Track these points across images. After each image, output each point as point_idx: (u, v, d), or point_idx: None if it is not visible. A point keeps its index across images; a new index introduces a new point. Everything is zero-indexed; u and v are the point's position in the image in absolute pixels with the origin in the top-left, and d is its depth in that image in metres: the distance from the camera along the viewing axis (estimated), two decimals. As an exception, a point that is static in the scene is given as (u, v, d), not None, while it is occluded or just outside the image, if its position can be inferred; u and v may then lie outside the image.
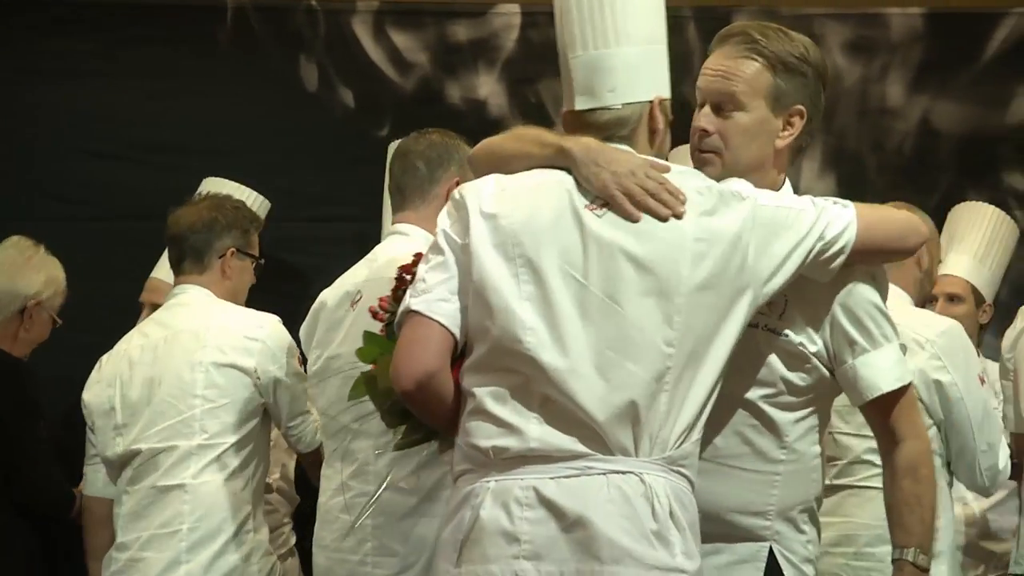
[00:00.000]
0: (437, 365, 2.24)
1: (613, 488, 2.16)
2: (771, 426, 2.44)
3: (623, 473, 2.17)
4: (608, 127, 2.33)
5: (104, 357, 3.60)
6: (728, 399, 2.40)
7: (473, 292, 2.23)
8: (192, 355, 3.41)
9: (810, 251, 2.31)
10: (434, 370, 2.24)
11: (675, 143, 4.68)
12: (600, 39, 2.34)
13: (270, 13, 4.73)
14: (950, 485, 3.48)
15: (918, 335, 3.39)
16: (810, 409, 2.47)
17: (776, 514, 2.44)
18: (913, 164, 4.87)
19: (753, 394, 2.43)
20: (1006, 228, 4.46)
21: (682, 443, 2.21)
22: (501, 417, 2.20)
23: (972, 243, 4.40)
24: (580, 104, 2.35)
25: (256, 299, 3.84)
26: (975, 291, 4.33)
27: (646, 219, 2.23)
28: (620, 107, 2.33)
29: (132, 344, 3.55)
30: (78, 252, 4.40)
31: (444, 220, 2.31)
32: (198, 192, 4.10)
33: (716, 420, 2.41)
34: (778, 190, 2.49)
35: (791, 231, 2.30)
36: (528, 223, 2.24)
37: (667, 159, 2.40)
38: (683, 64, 4.96)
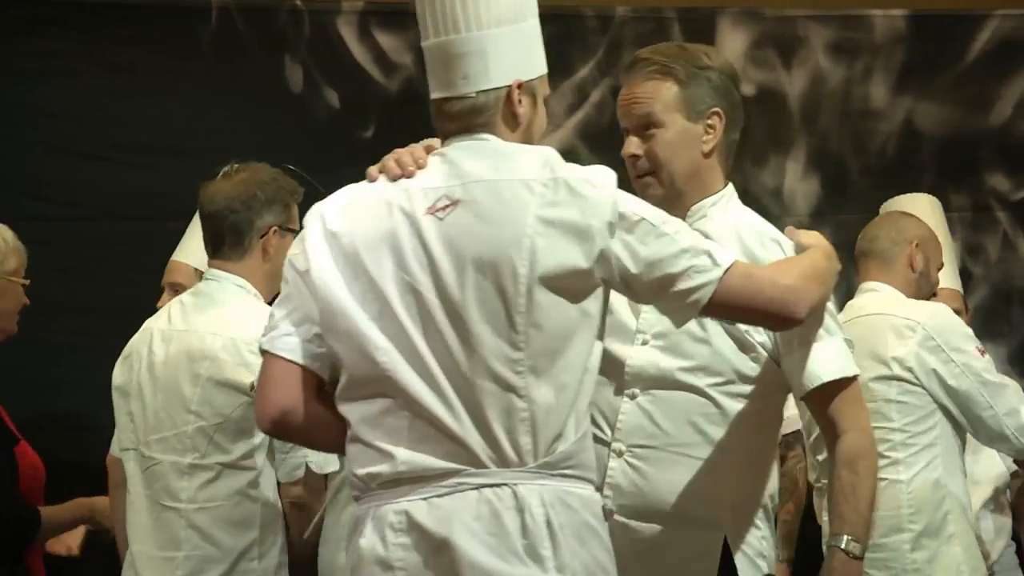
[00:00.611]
0: (289, 403, 2.21)
1: (484, 504, 2.12)
2: (724, 416, 2.49)
3: (496, 486, 2.12)
4: (462, 116, 2.23)
5: (147, 322, 3.42)
6: (680, 387, 2.47)
7: (324, 320, 2.19)
8: (193, 365, 3.20)
9: (662, 279, 2.20)
10: (287, 409, 2.21)
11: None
12: (450, 25, 2.21)
13: (254, 13, 4.66)
14: (964, 474, 3.52)
15: (908, 319, 3.44)
16: (762, 403, 2.52)
17: (730, 506, 2.48)
18: (896, 165, 4.90)
19: (704, 382, 2.48)
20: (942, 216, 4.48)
21: (557, 447, 2.15)
22: (373, 443, 2.17)
23: (947, 248, 4.40)
24: (435, 93, 2.26)
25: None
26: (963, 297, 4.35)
27: (485, 218, 2.14)
28: (474, 95, 2.22)
29: (158, 324, 3.34)
30: (59, 252, 4.38)
31: (293, 247, 2.27)
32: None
33: (669, 408, 2.47)
34: (720, 194, 2.60)
35: (652, 247, 2.19)
36: (366, 238, 2.18)
37: (545, 142, 2.32)
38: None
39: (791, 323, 2.30)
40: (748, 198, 4.83)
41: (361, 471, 2.17)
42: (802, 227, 5.27)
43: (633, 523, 2.44)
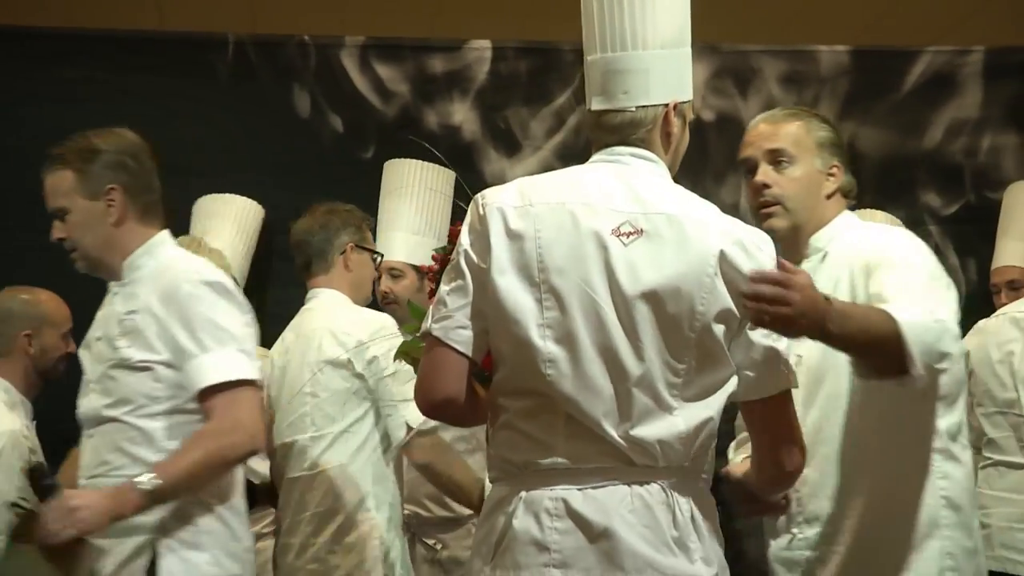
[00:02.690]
0: (454, 392, 2.16)
1: (636, 498, 2.10)
2: (144, 436, 2.70)
3: (645, 483, 2.11)
4: (620, 129, 2.20)
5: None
6: (103, 422, 2.72)
7: (493, 317, 2.13)
8: (305, 356, 3.51)
9: (749, 359, 2.18)
10: (451, 397, 2.16)
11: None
12: (617, 42, 2.19)
13: (266, 47, 4.79)
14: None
15: None
16: (178, 414, 2.72)
17: (163, 510, 2.68)
18: None
19: (118, 412, 2.71)
20: None
21: (698, 455, 2.16)
22: (530, 433, 2.13)
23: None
24: (595, 105, 2.22)
25: (252, 303, 4.01)
26: None
27: (669, 252, 2.11)
28: (634, 110, 2.19)
29: (276, 347, 3.67)
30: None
31: (466, 236, 2.18)
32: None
33: (99, 441, 2.73)
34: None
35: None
36: (552, 247, 2.11)
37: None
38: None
39: (783, 472, 2.25)
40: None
41: (516, 457, 2.14)
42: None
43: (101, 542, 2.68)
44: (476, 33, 4.93)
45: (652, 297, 2.09)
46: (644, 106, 2.19)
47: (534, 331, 2.10)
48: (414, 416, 3.42)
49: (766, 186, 2.65)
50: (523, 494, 2.13)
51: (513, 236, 2.13)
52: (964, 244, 5.01)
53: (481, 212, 2.17)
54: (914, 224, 4.80)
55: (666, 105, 2.21)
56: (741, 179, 4.84)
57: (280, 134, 4.75)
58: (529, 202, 2.15)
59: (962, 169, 5.05)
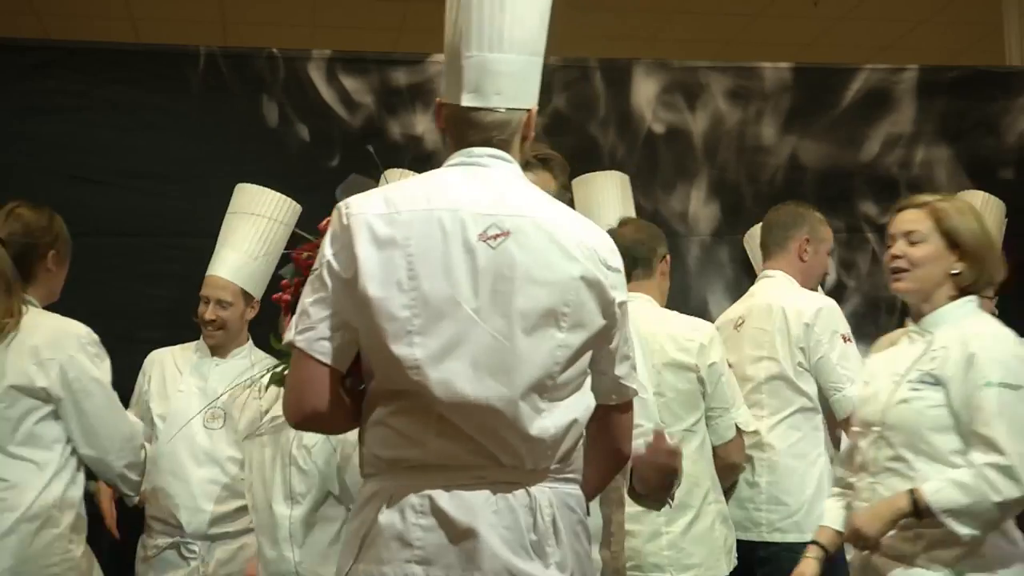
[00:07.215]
0: (321, 404, 2.05)
1: (500, 500, 2.02)
2: None
3: (511, 484, 2.04)
4: (490, 128, 2.12)
5: None
6: None
7: (362, 326, 2.03)
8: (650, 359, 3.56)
9: (616, 360, 2.16)
10: (318, 409, 2.05)
11: (583, 170, 4.66)
12: (495, 42, 2.09)
13: (237, 59, 4.71)
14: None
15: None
16: None
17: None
18: (783, 193, 4.95)
19: None
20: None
21: (564, 458, 2.09)
22: (401, 429, 2.04)
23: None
24: (467, 101, 2.10)
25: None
26: None
27: (536, 256, 2.04)
28: (504, 111, 2.11)
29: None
30: (71, 264, 4.33)
31: (328, 247, 2.05)
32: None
33: None
34: None
35: (626, 330, 2.16)
36: (422, 254, 2.01)
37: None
38: (590, 107, 5.05)
39: (623, 461, 2.26)
40: (658, 220, 4.96)
41: (387, 453, 2.05)
42: (704, 245, 5.23)
43: None
44: (438, 48, 4.74)
45: (521, 301, 2.03)
46: (513, 109, 2.13)
47: (402, 336, 2.01)
48: (745, 419, 3.51)
49: None
50: (392, 490, 2.05)
51: (381, 244, 2.02)
52: (899, 251, 4.96)
53: (345, 222, 2.04)
54: (853, 231, 4.94)
55: (528, 110, 2.16)
56: (690, 188, 4.87)
57: (249, 142, 4.64)
58: (396, 210, 2.04)
59: (897, 180, 5.05)
